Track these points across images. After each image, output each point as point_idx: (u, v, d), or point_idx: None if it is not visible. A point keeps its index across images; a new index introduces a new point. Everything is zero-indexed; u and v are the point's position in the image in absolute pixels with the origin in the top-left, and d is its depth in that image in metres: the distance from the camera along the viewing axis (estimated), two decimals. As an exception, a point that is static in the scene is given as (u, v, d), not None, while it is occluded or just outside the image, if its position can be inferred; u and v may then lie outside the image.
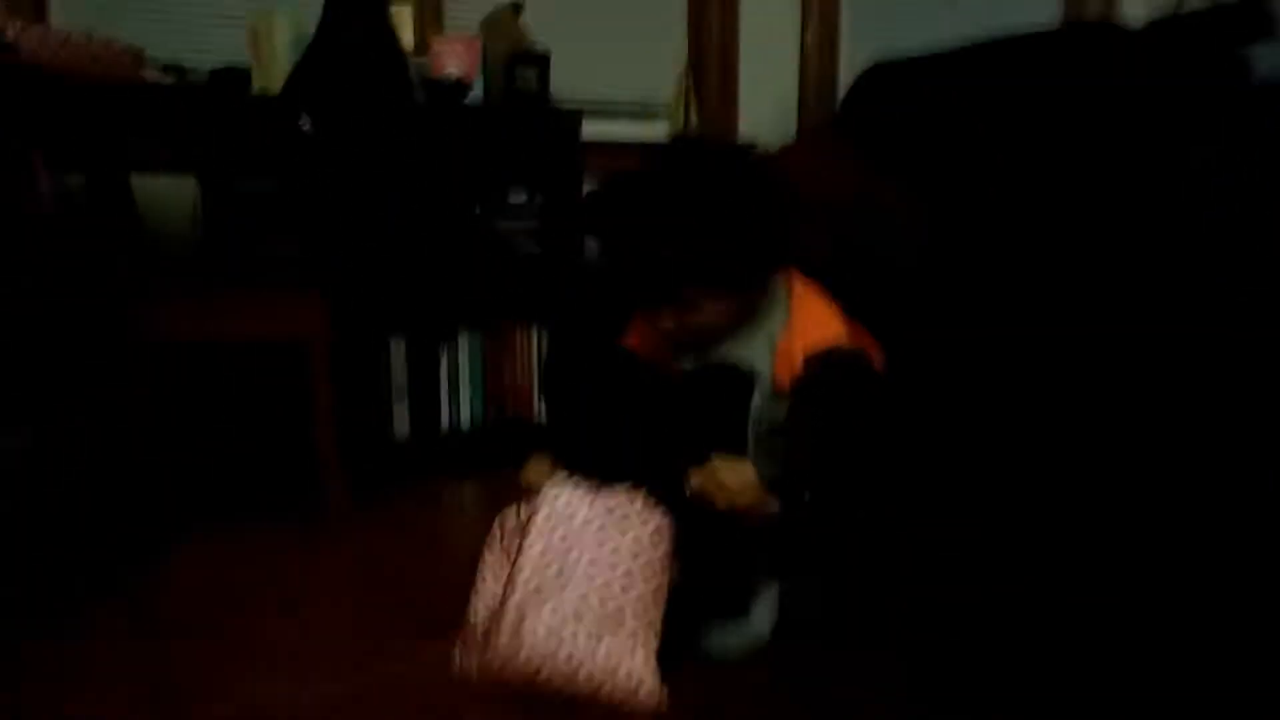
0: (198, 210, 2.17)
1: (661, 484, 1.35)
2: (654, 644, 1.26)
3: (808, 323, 1.42)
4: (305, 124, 2.11)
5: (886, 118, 2.03)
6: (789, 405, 1.35)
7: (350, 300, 2.18)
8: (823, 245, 1.73)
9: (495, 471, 2.29)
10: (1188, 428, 1.33)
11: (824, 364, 1.36)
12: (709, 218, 1.32)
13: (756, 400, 1.36)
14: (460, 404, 2.45)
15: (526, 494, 1.38)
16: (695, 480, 1.32)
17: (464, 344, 2.44)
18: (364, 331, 2.28)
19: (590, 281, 2.38)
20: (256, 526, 1.96)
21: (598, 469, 1.37)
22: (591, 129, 2.57)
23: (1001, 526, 1.70)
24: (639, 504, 1.33)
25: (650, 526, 1.32)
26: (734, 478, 1.31)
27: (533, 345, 2.51)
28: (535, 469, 1.46)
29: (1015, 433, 1.55)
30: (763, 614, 1.44)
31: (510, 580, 1.28)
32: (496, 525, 1.39)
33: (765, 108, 3.11)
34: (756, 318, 1.44)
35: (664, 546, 1.32)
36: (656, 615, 1.28)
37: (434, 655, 1.39)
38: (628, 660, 1.22)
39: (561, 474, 1.36)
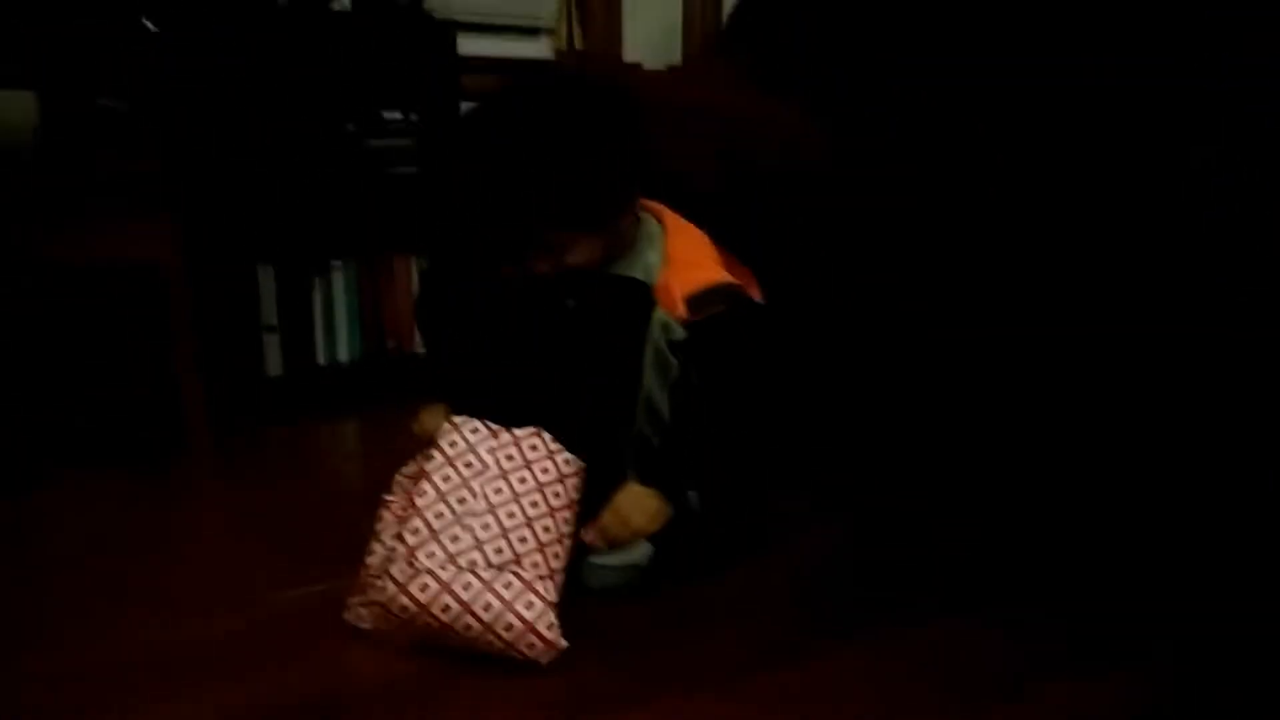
0: (39, 126, 1.97)
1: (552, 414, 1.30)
2: (554, 588, 1.20)
3: (685, 260, 1.40)
4: (148, 24, 1.92)
5: (774, 37, 1.99)
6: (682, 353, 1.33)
7: (208, 222, 2.03)
8: (707, 168, 1.69)
9: (375, 409, 2.21)
10: (1185, 427, 1.36)
11: (706, 304, 1.34)
12: (567, 155, 1.28)
13: (657, 316, 1.33)
14: (336, 338, 2.33)
15: (421, 444, 1.31)
16: (601, 528, 1.28)
17: (339, 274, 2.31)
18: (227, 258, 2.13)
19: (465, 209, 2.29)
20: (118, 470, 1.83)
21: (491, 410, 1.31)
22: (471, 45, 2.45)
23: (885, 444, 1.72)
24: (543, 448, 1.27)
25: (554, 473, 1.25)
26: (641, 516, 1.28)
27: (412, 275, 2.40)
28: (430, 417, 1.39)
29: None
30: (640, 543, 1.40)
31: (407, 516, 1.21)
32: (397, 478, 1.32)
33: (651, 28, 3.02)
34: (633, 252, 1.41)
35: (569, 495, 1.26)
36: (559, 565, 1.22)
37: (312, 596, 1.33)
38: (525, 598, 1.16)
39: (459, 419, 1.29)
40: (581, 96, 1.33)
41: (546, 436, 1.28)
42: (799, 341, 1.58)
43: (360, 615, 1.25)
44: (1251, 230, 1.26)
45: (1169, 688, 1.18)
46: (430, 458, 1.25)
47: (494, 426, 1.28)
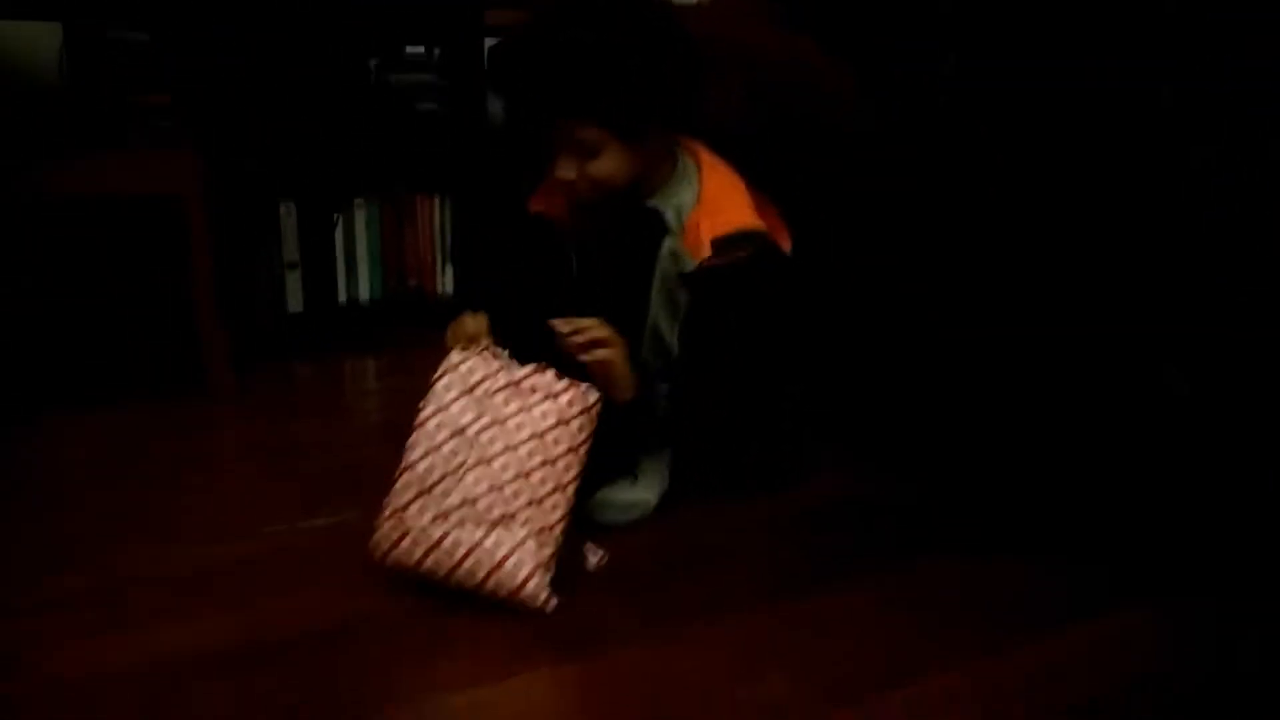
0: (63, 59, 1.97)
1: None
2: (550, 542, 1.17)
3: (717, 202, 1.38)
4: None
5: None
6: (695, 290, 1.32)
7: (230, 157, 2.02)
8: (736, 103, 1.65)
9: (395, 347, 2.21)
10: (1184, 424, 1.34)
11: (732, 248, 1.33)
12: (606, 51, 1.26)
13: (667, 244, 1.32)
14: (358, 276, 2.33)
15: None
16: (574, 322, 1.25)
17: (361, 211, 2.30)
18: (249, 193, 2.13)
19: (495, 142, 2.26)
20: (134, 401, 1.85)
21: (509, 342, 1.28)
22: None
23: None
24: (545, 389, 1.21)
25: (555, 418, 1.19)
26: (601, 327, 1.26)
27: (435, 213, 2.39)
28: (473, 321, 1.29)
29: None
30: (651, 480, 1.40)
31: (404, 455, 1.19)
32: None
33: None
34: (665, 188, 1.40)
35: (572, 439, 1.20)
36: (556, 517, 1.18)
37: (322, 528, 1.35)
38: (515, 556, 1.14)
39: (457, 357, 1.24)
40: (624, 7, 1.32)
41: (550, 374, 1.22)
42: (818, 294, 1.56)
43: (373, 549, 1.23)
44: (1251, 230, 1.24)
45: (1177, 632, 1.19)
46: (425, 404, 1.21)
47: (496, 363, 1.22)
